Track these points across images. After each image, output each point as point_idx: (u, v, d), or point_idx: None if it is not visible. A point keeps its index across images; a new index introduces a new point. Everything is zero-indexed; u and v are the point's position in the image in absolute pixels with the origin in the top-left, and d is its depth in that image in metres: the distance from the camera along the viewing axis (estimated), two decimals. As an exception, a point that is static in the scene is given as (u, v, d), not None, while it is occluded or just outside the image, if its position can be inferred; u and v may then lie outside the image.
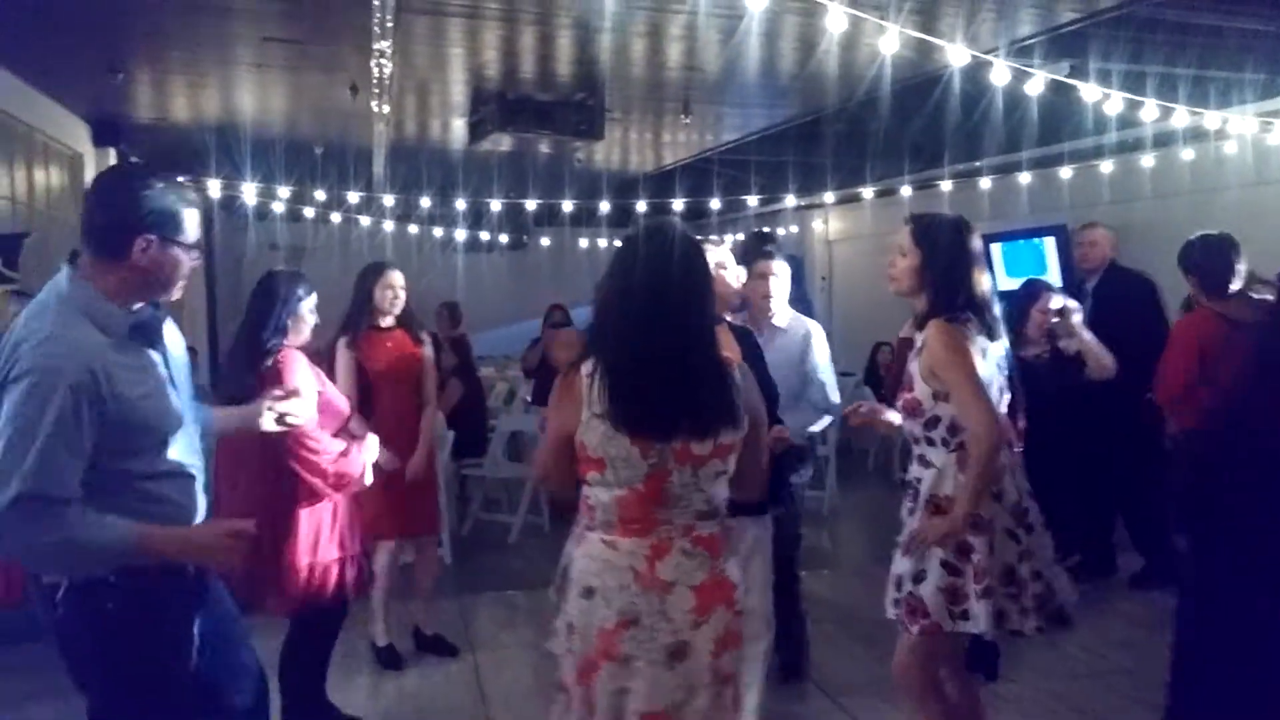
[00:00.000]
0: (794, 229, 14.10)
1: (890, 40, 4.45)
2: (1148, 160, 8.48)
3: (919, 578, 2.87)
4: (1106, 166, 8.77)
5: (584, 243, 14.34)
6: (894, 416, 3.18)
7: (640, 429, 2.18)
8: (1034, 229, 9.71)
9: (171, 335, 2.45)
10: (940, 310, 2.94)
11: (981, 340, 2.94)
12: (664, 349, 2.19)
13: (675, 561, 2.22)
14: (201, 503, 2.43)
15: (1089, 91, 5.62)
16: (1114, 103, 5.85)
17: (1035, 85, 5.28)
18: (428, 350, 5.18)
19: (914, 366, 2.93)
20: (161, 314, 2.41)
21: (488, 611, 6.04)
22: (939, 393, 2.88)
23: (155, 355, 2.34)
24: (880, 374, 10.01)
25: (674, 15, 6.08)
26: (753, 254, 4.44)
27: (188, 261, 2.36)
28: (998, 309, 3.01)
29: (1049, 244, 9.59)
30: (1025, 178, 9.68)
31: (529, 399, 9.46)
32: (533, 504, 7.86)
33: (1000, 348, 3.03)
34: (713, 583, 2.26)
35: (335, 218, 11.56)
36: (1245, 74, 7.19)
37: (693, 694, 2.21)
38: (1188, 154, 7.99)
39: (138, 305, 2.33)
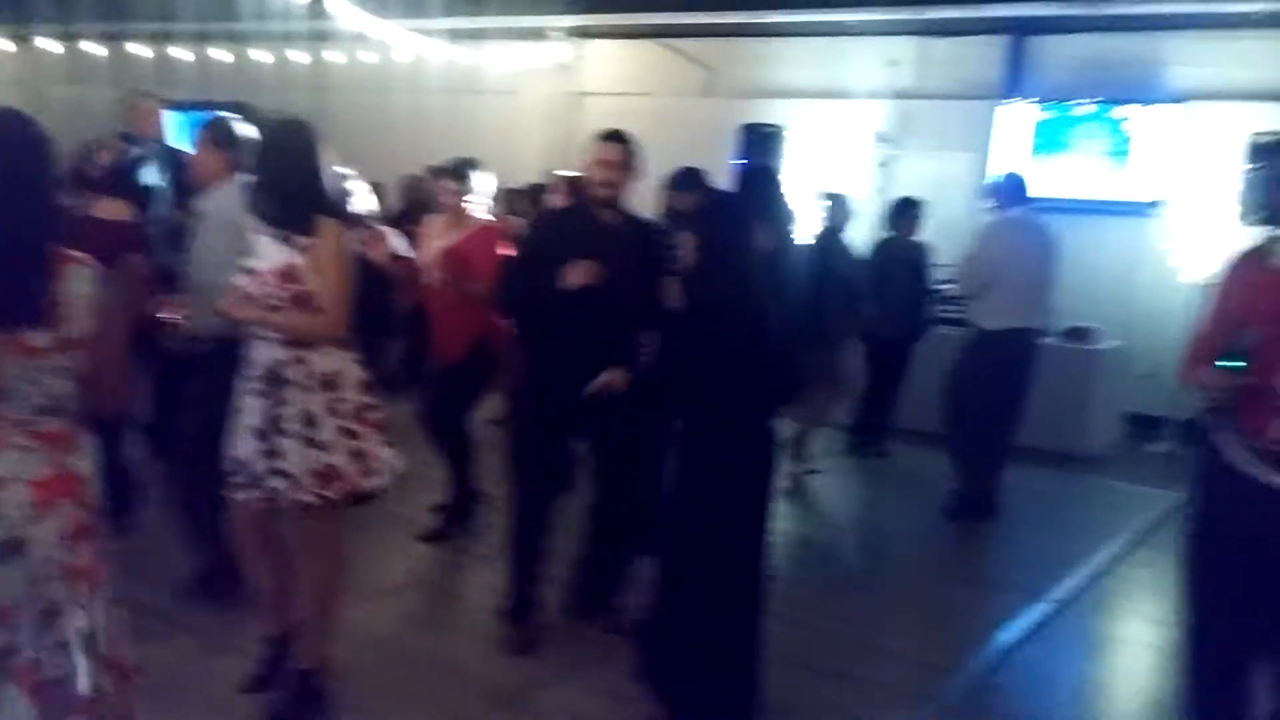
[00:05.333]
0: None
1: None
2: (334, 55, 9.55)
3: (323, 448, 3.07)
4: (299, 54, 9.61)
5: None
6: None
7: None
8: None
9: None
10: (330, 209, 3.12)
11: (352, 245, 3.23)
12: None
13: (11, 457, 2.17)
14: None
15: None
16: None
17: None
18: None
19: (300, 260, 3.05)
20: None
21: None
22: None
23: None
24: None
25: None
26: None
27: None
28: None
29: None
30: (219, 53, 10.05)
31: None
32: None
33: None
34: (56, 477, 2.23)
35: None
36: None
37: (37, 586, 2.18)
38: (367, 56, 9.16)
39: None
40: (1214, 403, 2.71)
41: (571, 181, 6.05)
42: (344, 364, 3.15)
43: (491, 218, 4.97)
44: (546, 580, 3.86)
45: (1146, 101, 7.94)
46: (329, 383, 3.12)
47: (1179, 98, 7.83)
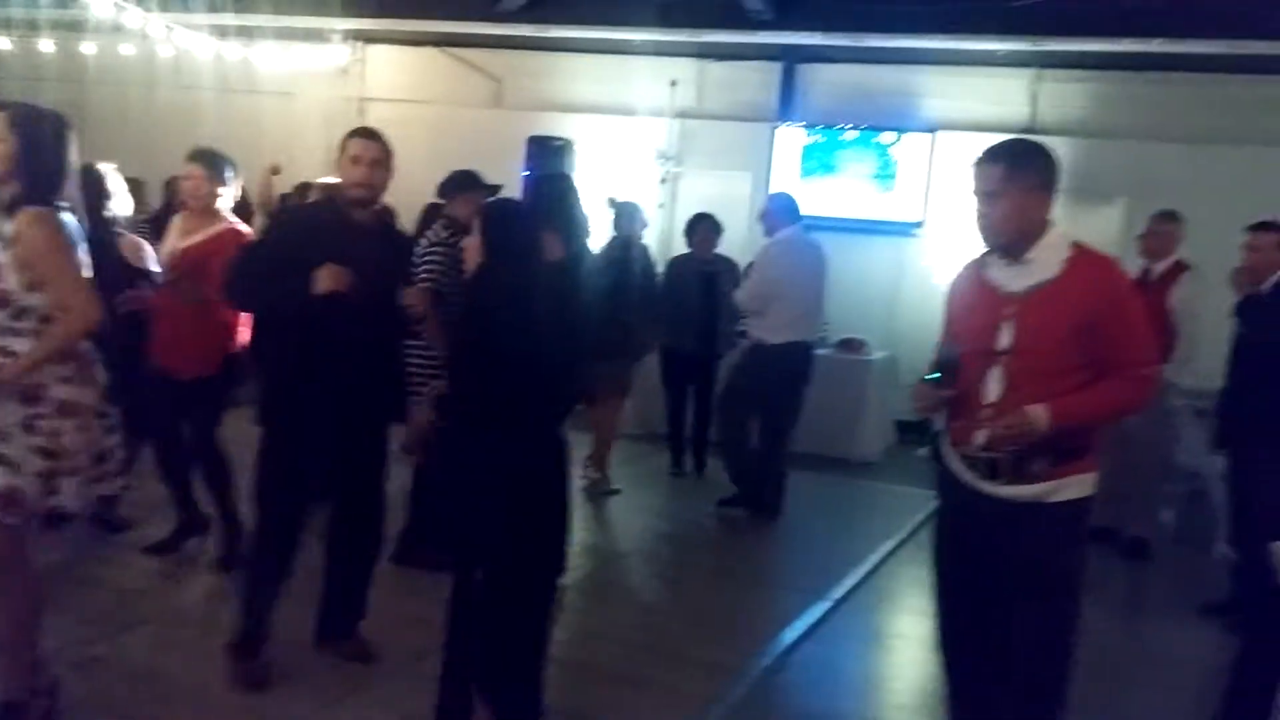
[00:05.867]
0: None
1: None
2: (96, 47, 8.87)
3: (9, 466, 2.84)
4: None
5: None
6: None
7: None
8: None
9: None
10: (35, 199, 2.89)
11: (72, 227, 2.97)
12: None
13: None
14: None
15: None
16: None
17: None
18: None
19: (3, 257, 2.82)
20: None
21: None
22: (34, 283, 2.86)
23: None
24: None
25: None
26: None
27: None
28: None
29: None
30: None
31: None
32: None
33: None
34: None
35: None
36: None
37: None
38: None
39: None
40: (922, 414, 2.84)
41: (331, 189, 5.63)
42: (50, 379, 2.91)
43: (239, 221, 4.52)
44: (279, 607, 3.55)
45: (905, 129, 8.51)
46: (29, 397, 2.89)
47: (933, 127, 8.44)
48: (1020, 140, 2.83)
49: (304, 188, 7.43)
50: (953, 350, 2.76)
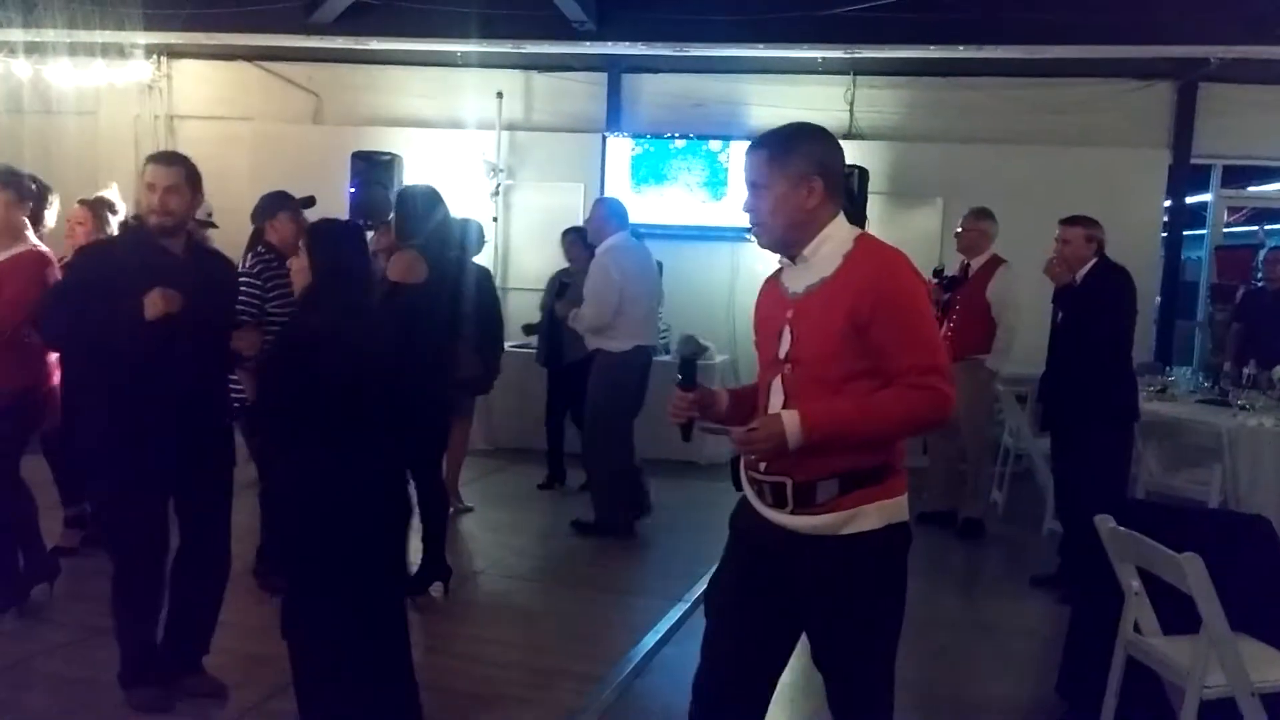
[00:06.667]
0: None
1: None
2: None
3: None
4: None
5: None
6: None
7: None
8: None
9: None
10: None
11: None
12: None
13: None
14: None
15: None
16: None
17: None
18: None
19: None
20: None
21: None
22: None
23: None
24: None
25: None
26: None
27: None
28: None
29: None
30: None
31: None
32: None
33: None
34: None
35: None
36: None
37: None
38: None
39: None
40: (675, 421, 2.47)
41: (96, 205, 5.24)
42: None
43: (43, 245, 4.23)
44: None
45: (731, 137, 8.65)
46: None
47: (757, 134, 8.61)
48: (791, 124, 2.47)
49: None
50: (689, 347, 2.45)
